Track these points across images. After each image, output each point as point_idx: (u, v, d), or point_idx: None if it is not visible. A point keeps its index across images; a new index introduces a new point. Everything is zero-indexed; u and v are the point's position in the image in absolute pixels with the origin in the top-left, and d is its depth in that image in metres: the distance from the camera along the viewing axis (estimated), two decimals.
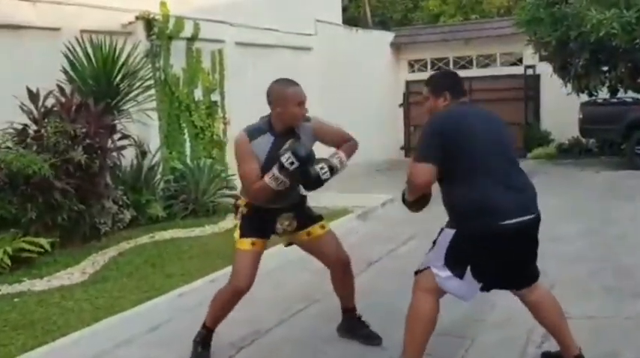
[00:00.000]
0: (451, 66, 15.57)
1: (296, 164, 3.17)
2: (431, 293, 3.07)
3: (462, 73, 14.86)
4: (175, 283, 4.91)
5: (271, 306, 4.46)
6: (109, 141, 6.46)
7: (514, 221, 2.89)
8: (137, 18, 7.95)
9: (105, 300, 4.59)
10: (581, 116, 11.73)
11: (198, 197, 7.77)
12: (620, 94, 12.35)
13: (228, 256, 5.20)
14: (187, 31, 8.80)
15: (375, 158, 14.26)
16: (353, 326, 3.82)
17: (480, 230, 2.91)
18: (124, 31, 7.80)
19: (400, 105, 16.28)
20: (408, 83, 16.23)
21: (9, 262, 5.30)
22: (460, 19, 21.04)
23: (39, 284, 5.07)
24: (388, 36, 16.19)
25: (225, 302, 3.53)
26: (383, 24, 20.46)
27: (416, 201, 3.23)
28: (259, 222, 3.47)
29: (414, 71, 16.35)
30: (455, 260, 2.98)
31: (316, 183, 3.31)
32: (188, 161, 8.44)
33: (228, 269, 5.15)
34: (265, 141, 3.36)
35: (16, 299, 4.65)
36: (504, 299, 4.26)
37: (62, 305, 4.50)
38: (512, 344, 3.60)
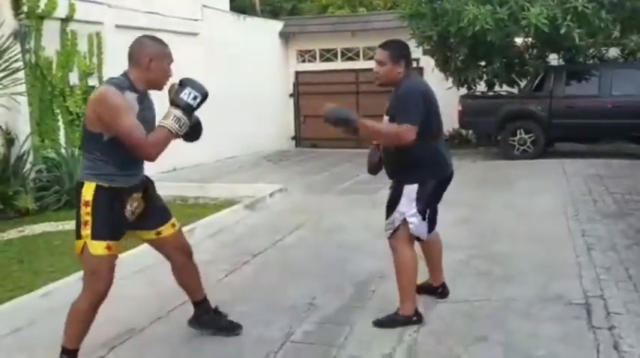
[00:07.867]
0: (339, 57, 15.73)
1: (200, 98, 3.01)
2: (408, 243, 3.67)
3: (349, 65, 14.99)
4: (43, 281, 4.57)
5: (146, 304, 4.24)
6: None
7: (450, 171, 3.78)
8: None
9: None
10: (460, 108, 12.24)
11: (73, 188, 7.30)
12: (497, 88, 13.05)
13: None
14: (61, 11, 8.23)
15: (265, 148, 14.17)
16: (211, 319, 3.64)
17: (437, 177, 3.69)
18: None
19: (290, 95, 16.28)
20: (298, 74, 16.25)
21: None
22: (348, 11, 21.33)
23: None
24: (277, 25, 16.04)
25: (88, 313, 3.06)
26: (274, 14, 20.31)
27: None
28: (112, 212, 3.02)
29: (304, 61, 16.37)
30: (423, 206, 3.63)
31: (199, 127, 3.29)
32: (62, 149, 7.91)
33: None
34: (131, 98, 2.99)
35: None
36: (383, 287, 4.35)
37: None
38: (390, 330, 3.64)
